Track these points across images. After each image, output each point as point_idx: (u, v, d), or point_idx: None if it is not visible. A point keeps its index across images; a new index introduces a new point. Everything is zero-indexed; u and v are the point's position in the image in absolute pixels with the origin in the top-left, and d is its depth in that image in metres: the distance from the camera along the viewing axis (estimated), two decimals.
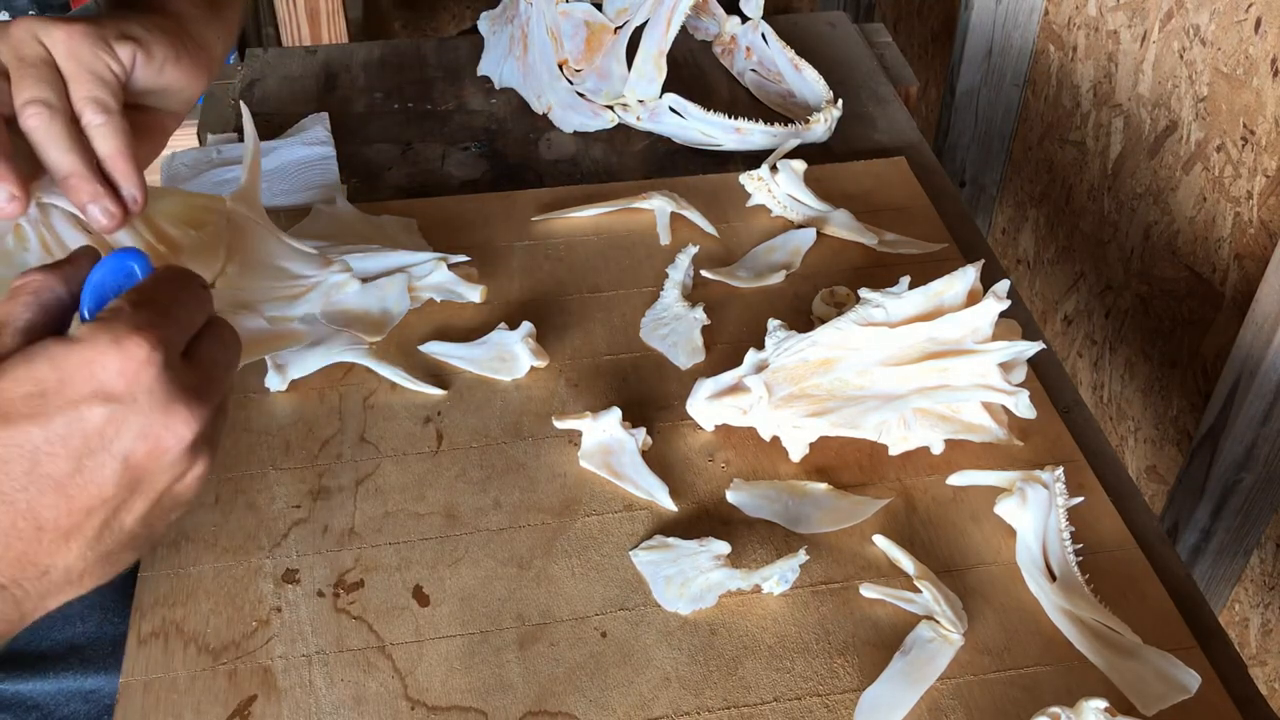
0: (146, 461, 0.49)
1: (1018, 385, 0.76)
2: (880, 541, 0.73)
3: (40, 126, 0.60)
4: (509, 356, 0.84)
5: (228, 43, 0.75)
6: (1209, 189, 1.14)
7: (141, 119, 0.67)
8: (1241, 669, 0.69)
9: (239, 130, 1.09)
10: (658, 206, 0.98)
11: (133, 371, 0.48)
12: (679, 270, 0.90)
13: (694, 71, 1.19)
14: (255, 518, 0.74)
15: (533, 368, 0.84)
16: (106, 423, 0.48)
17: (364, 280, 0.87)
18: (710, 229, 0.97)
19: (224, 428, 0.54)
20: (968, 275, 0.75)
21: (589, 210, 0.98)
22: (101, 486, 0.48)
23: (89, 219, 0.60)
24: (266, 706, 0.65)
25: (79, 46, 0.61)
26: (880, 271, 0.93)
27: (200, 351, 0.52)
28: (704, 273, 0.92)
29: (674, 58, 1.07)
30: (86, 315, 0.53)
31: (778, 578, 0.70)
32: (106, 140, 0.61)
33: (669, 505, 0.75)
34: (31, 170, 0.61)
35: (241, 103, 0.79)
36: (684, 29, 1.06)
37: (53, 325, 0.52)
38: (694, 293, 0.91)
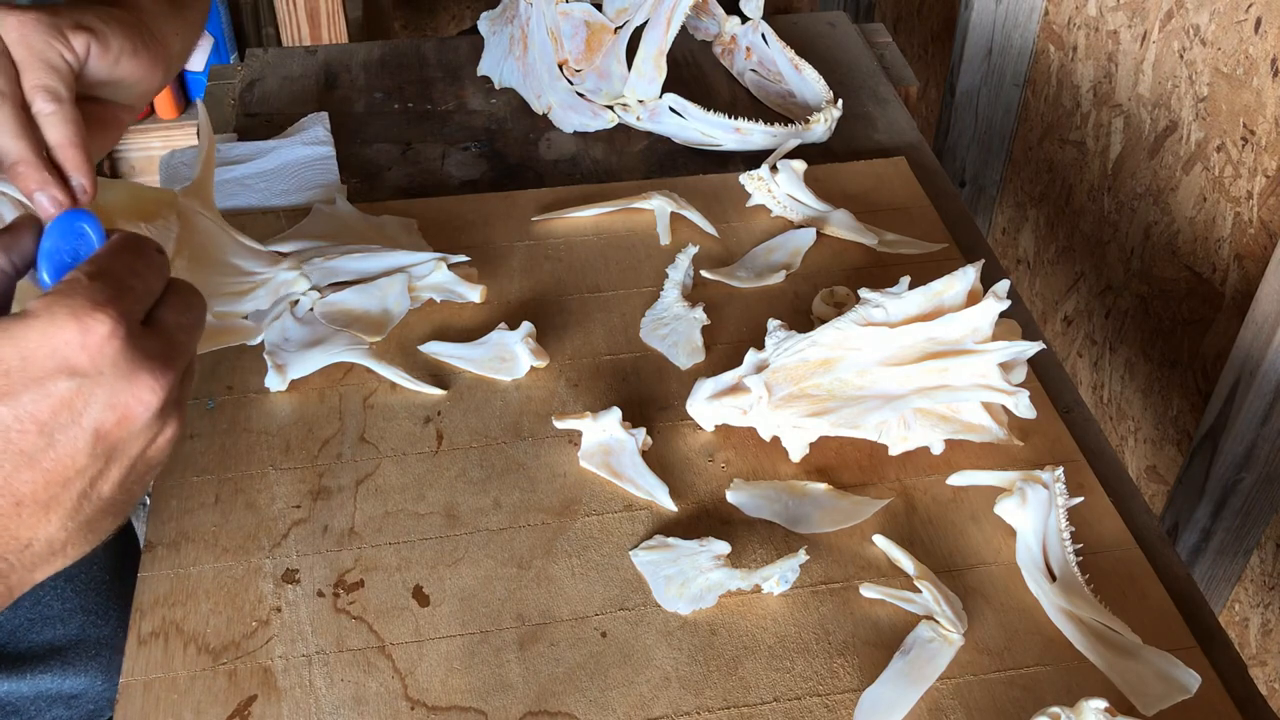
0: (117, 430, 0.50)
1: (1018, 385, 0.76)
2: (880, 541, 0.73)
3: None
4: (509, 356, 0.84)
5: (189, 40, 0.75)
6: (1209, 189, 1.14)
7: (96, 110, 0.66)
8: (1241, 669, 0.69)
9: (239, 130, 1.09)
10: (658, 206, 0.98)
11: (95, 346, 0.48)
12: (679, 270, 0.90)
13: (694, 71, 1.19)
14: (255, 518, 0.74)
15: (533, 368, 0.84)
16: (74, 396, 0.48)
17: (364, 280, 0.87)
18: (710, 229, 0.97)
19: (191, 388, 0.56)
20: (968, 275, 0.75)
21: (589, 210, 0.98)
22: (75, 458, 0.49)
23: (36, 207, 0.60)
24: (266, 706, 0.65)
25: (31, 34, 0.61)
26: (880, 271, 0.93)
27: (162, 317, 0.53)
28: (704, 273, 0.92)
29: (674, 58, 1.07)
30: (48, 282, 0.53)
31: (778, 578, 0.70)
32: (56, 129, 0.61)
33: (669, 505, 0.75)
34: None
35: (199, 101, 0.78)
36: (684, 29, 1.06)
37: None
38: (694, 293, 0.91)
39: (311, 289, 0.85)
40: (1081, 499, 0.74)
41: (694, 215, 0.97)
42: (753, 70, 1.16)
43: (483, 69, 1.17)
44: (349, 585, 0.71)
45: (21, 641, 0.85)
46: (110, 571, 0.92)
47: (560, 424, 0.79)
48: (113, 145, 0.70)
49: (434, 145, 1.08)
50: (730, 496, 0.76)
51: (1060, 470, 0.74)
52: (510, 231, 0.97)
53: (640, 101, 1.06)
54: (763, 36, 1.14)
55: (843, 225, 0.96)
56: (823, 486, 0.76)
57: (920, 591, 0.70)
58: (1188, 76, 1.15)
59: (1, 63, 0.60)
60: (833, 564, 0.72)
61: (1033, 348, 0.75)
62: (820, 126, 1.05)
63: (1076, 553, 0.71)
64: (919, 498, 0.76)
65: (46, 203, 0.59)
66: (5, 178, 0.61)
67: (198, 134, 0.72)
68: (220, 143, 1.05)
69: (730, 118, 1.04)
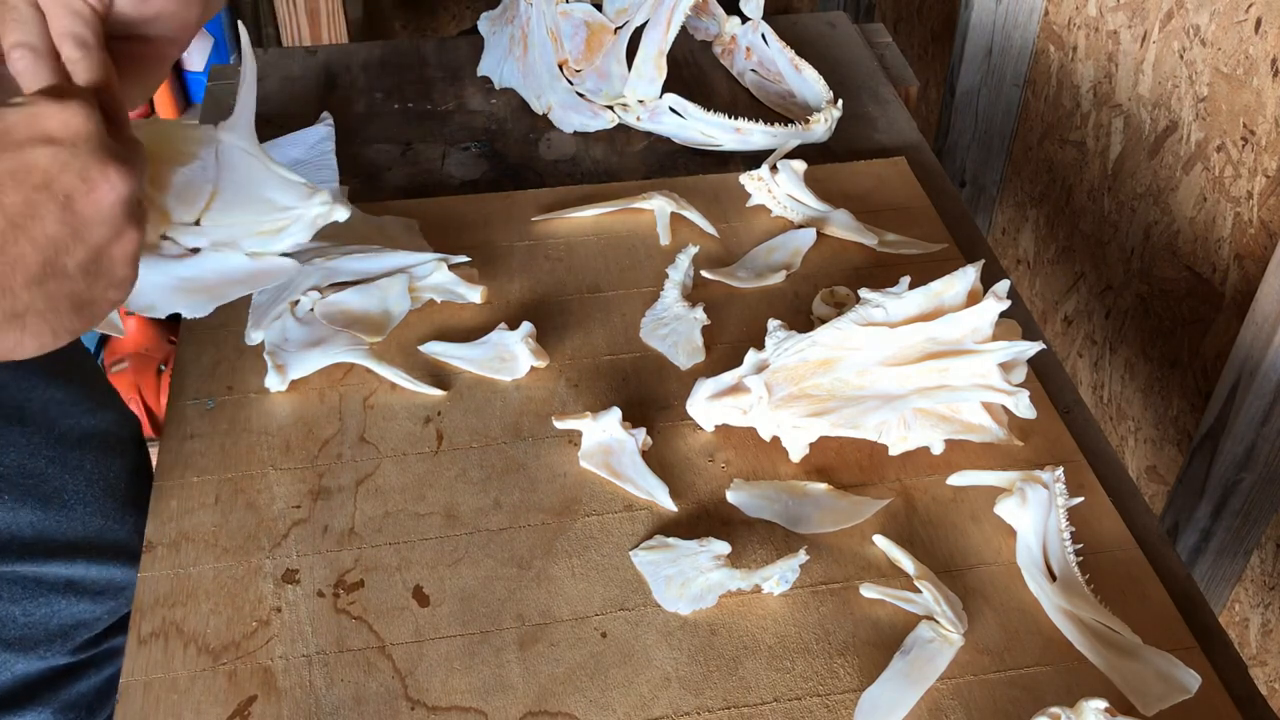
0: (85, 205, 0.54)
1: (1018, 385, 0.76)
2: (880, 541, 0.73)
3: (26, 70, 0.61)
4: (509, 356, 0.84)
5: None
6: (1209, 189, 1.14)
7: (136, 50, 0.66)
8: (1241, 669, 0.69)
9: None
10: (658, 206, 0.98)
11: (73, 124, 0.54)
12: (679, 270, 0.90)
13: (694, 71, 1.19)
14: (255, 518, 0.74)
15: (533, 368, 0.84)
16: (50, 162, 0.53)
17: (364, 280, 0.87)
18: (710, 229, 0.97)
19: (143, 222, 0.60)
20: (968, 275, 0.75)
21: (589, 210, 0.98)
22: (44, 223, 0.53)
23: None
24: (266, 707, 0.65)
25: None
26: (880, 271, 0.93)
27: (124, 132, 0.58)
28: (704, 273, 0.92)
29: (674, 58, 1.07)
30: None
31: (778, 578, 0.70)
32: (85, 75, 0.61)
33: (669, 505, 0.75)
34: None
35: (240, 24, 0.77)
36: (684, 29, 1.06)
37: None
38: (694, 293, 0.91)
39: (312, 288, 0.85)
40: (1081, 499, 0.74)
41: (694, 215, 0.97)
42: (753, 70, 1.16)
43: (483, 69, 1.17)
44: (349, 585, 0.71)
45: (50, 538, 0.88)
46: (128, 474, 0.94)
47: (560, 424, 0.79)
48: (159, 81, 0.71)
49: (434, 145, 1.08)
50: (730, 496, 0.76)
51: (1060, 470, 0.74)
52: (510, 231, 0.97)
53: (640, 101, 1.06)
54: (763, 36, 1.14)
55: (843, 225, 0.96)
56: (823, 486, 0.76)
57: (920, 591, 0.70)
58: (1188, 76, 1.15)
59: (31, 15, 0.61)
60: (833, 564, 0.72)
61: (1033, 348, 0.75)
62: (820, 127, 1.05)
63: (1076, 553, 0.71)
64: (919, 498, 0.76)
65: None
66: None
67: (241, 66, 0.71)
68: None
69: (730, 118, 1.04)
